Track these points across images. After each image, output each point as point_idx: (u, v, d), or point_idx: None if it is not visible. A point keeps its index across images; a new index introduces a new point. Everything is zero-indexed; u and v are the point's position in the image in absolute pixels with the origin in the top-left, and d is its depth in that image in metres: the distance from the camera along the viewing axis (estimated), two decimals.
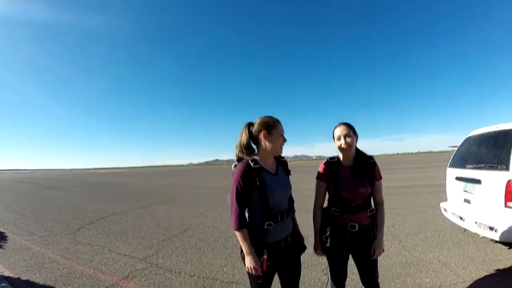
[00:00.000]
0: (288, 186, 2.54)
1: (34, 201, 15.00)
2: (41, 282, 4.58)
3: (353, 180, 2.65)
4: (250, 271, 2.34)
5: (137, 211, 11.33)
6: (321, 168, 2.84)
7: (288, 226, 2.52)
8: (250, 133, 2.48)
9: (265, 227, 2.33)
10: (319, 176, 2.83)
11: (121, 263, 5.41)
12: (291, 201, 2.61)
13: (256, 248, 2.34)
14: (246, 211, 2.43)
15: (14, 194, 19.79)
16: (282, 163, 2.64)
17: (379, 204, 2.81)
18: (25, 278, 4.74)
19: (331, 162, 2.80)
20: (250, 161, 2.35)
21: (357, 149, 2.79)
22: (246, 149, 2.49)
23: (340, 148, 2.71)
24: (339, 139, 2.68)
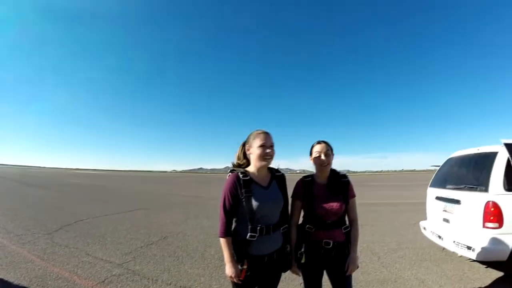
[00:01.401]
0: (279, 200, 2.55)
1: (12, 199, 14.84)
2: (15, 282, 4.53)
3: (327, 197, 2.70)
4: (228, 278, 2.40)
5: (117, 216, 11.24)
6: (296, 187, 2.88)
7: (275, 240, 2.53)
8: (245, 149, 2.60)
9: (248, 237, 2.36)
10: (294, 195, 2.87)
11: (98, 267, 5.36)
12: (284, 216, 2.64)
13: (238, 258, 2.39)
14: (234, 221, 2.48)
15: None
16: (277, 177, 2.66)
17: (353, 221, 2.84)
18: None
19: (306, 181, 2.85)
20: (240, 173, 2.42)
21: (331, 168, 2.85)
22: (239, 162, 2.62)
23: (319, 164, 2.76)
24: (319, 156, 2.73)
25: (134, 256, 6.12)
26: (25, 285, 4.44)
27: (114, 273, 5.10)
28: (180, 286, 4.67)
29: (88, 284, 4.60)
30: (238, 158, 2.64)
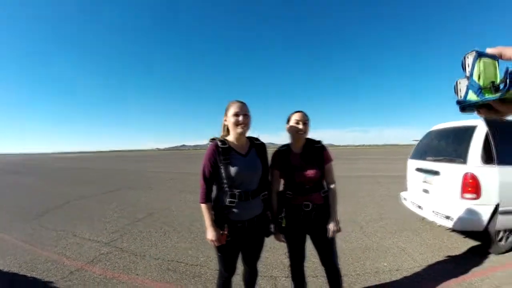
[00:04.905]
0: (257, 167, 2.63)
1: None
2: (5, 269, 4.52)
3: (303, 166, 2.78)
4: (210, 243, 2.51)
5: (103, 196, 11.19)
6: (273, 157, 2.95)
7: (254, 206, 2.62)
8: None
9: (227, 203, 2.47)
10: (272, 165, 2.94)
11: (86, 247, 5.39)
12: (263, 183, 2.72)
13: (219, 223, 2.51)
14: (215, 188, 2.59)
15: None
16: (256, 146, 2.75)
17: (331, 185, 2.91)
18: None
19: (282, 151, 2.94)
20: (219, 142, 2.52)
21: (306, 137, 2.91)
22: (224, 135, 2.69)
23: (296, 133, 2.82)
24: (297, 123, 2.79)
25: (121, 234, 6.17)
26: (15, 271, 4.43)
27: (102, 252, 5.15)
28: (168, 260, 4.74)
29: (77, 264, 4.63)
30: (223, 130, 2.70)
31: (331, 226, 2.76)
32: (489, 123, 4.69)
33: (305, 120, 2.79)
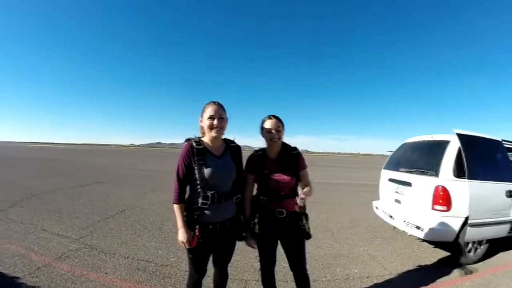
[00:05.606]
0: (231, 170, 2.63)
1: None
2: None
3: (278, 171, 2.79)
4: (180, 244, 2.50)
5: (74, 190, 10.96)
6: (247, 161, 2.94)
7: (227, 209, 2.63)
8: None
9: (200, 205, 2.47)
10: (246, 169, 2.93)
11: (55, 243, 5.26)
12: (236, 186, 2.72)
13: (191, 225, 2.49)
14: (188, 189, 2.58)
15: None
16: (231, 148, 2.74)
17: (307, 185, 2.86)
18: None
19: (257, 155, 2.93)
20: (194, 142, 2.52)
21: (282, 142, 2.92)
22: (201, 135, 2.68)
23: (269, 140, 2.83)
24: (269, 131, 2.79)
25: (91, 230, 6.06)
26: None
27: (71, 248, 5.04)
28: (138, 260, 4.68)
29: (45, 260, 4.52)
30: (200, 131, 2.70)
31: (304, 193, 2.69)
32: (462, 138, 4.79)
33: (277, 127, 2.79)
